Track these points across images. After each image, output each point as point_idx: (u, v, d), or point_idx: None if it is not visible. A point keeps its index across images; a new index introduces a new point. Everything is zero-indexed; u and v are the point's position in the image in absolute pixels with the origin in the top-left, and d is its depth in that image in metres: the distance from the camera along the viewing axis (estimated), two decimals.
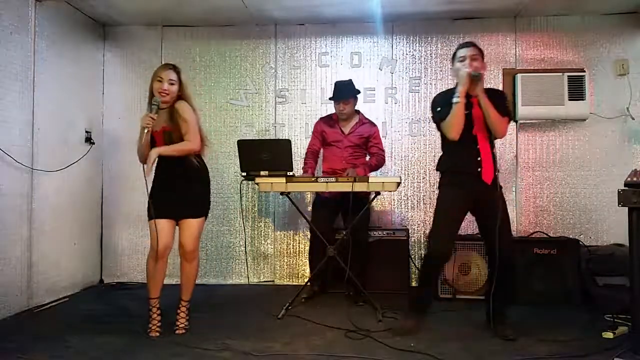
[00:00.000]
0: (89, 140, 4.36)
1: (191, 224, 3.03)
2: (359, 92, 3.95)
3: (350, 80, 3.97)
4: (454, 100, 2.82)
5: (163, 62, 4.55)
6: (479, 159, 2.87)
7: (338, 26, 4.58)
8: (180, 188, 3.00)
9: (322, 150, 4.07)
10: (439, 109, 2.96)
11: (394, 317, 3.32)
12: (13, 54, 3.49)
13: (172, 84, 2.98)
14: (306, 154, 4.07)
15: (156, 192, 3.04)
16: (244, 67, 4.66)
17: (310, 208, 4.30)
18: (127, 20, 4.52)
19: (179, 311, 3.10)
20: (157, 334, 2.98)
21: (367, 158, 3.98)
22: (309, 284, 3.89)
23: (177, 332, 3.03)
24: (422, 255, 4.34)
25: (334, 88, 3.94)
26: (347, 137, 3.91)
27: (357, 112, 3.99)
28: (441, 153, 3.11)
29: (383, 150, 3.98)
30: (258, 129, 4.64)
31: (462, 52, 2.91)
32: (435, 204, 3.04)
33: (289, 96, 4.63)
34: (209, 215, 4.67)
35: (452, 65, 3.03)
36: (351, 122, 3.93)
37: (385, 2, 4.05)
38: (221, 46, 4.66)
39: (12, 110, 3.48)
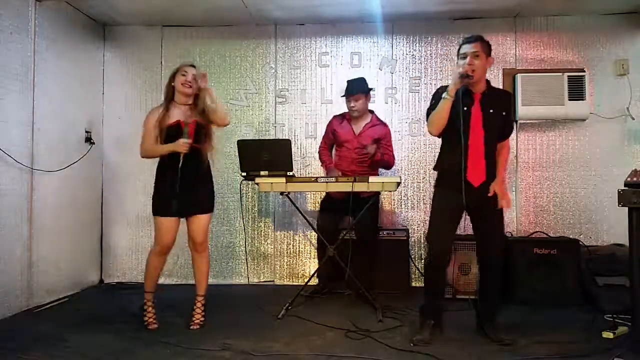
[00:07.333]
0: (89, 140, 4.36)
1: (200, 219, 3.14)
2: (370, 89, 3.93)
3: (363, 78, 3.96)
4: (443, 96, 2.76)
5: (163, 62, 4.61)
6: (466, 158, 2.78)
7: (338, 26, 4.57)
8: (190, 186, 3.06)
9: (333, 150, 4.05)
10: (433, 102, 2.89)
11: (395, 317, 3.33)
12: (13, 54, 3.49)
13: (195, 79, 3.12)
14: (320, 151, 4.07)
15: (164, 189, 3.07)
16: (244, 67, 4.65)
17: (312, 208, 4.31)
18: (127, 20, 4.51)
19: (195, 307, 3.19)
20: (156, 326, 3.07)
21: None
22: (317, 284, 3.91)
23: (191, 327, 3.11)
24: (423, 257, 4.34)
25: (346, 85, 3.91)
26: (357, 137, 3.88)
27: (371, 112, 3.97)
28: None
29: (393, 153, 3.94)
30: (258, 129, 4.64)
31: (465, 49, 2.78)
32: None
33: (289, 96, 4.62)
34: None
35: (457, 60, 2.90)
36: (363, 122, 3.91)
37: (385, 2, 4.05)
38: (221, 46, 4.66)
39: (12, 110, 3.48)
